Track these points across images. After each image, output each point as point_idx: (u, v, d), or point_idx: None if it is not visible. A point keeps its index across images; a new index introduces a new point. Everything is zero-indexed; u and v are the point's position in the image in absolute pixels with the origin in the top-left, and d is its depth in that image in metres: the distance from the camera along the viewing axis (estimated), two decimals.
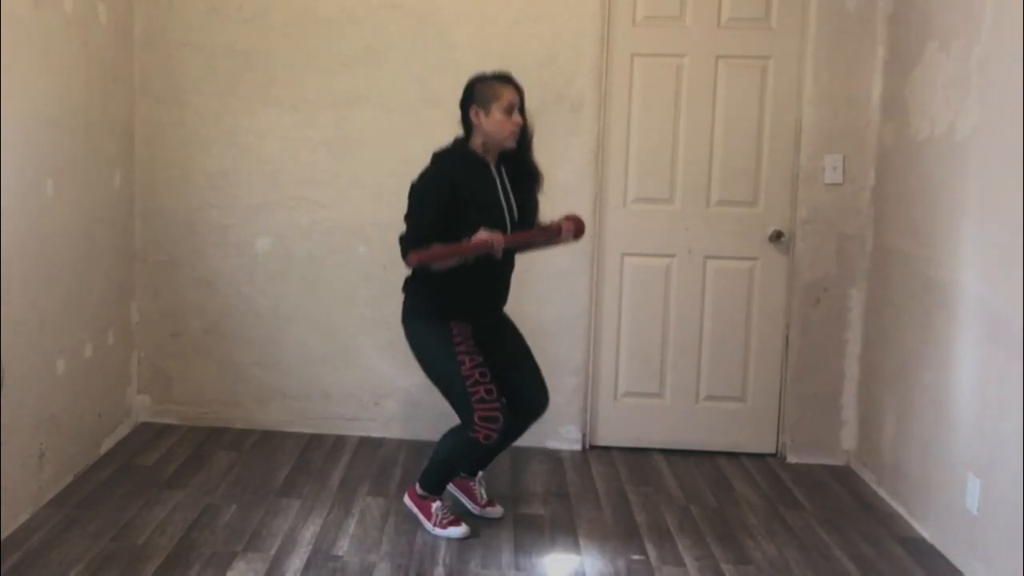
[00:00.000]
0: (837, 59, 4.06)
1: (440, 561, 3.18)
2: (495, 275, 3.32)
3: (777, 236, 4.21)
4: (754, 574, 3.16)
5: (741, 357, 4.29)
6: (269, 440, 4.27)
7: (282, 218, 4.29)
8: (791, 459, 4.24)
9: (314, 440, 4.29)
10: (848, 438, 4.21)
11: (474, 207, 3.18)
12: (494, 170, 3.29)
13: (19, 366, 3.24)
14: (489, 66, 4.13)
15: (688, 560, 3.23)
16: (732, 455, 4.29)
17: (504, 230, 3.20)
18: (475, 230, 3.08)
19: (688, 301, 4.28)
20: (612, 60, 4.17)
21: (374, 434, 4.36)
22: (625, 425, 4.34)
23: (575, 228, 3.36)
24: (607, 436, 4.35)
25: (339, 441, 4.30)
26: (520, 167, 3.34)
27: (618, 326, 4.30)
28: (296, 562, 3.12)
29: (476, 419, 3.16)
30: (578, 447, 4.30)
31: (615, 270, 4.28)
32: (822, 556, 3.31)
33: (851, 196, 4.12)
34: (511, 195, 3.30)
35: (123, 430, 4.22)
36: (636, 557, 3.25)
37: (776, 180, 4.20)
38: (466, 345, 3.23)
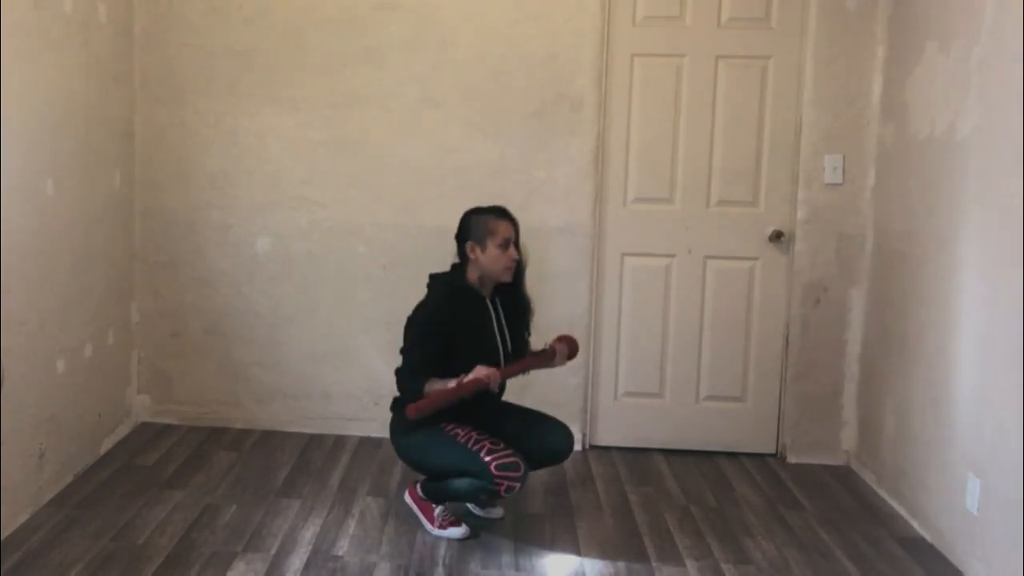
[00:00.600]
0: (837, 59, 4.06)
1: (440, 561, 3.18)
2: (486, 401, 3.31)
3: (777, 236, 4.21)
4: (754, 574, 3.16)
5: (741, 357, 4.29)
6: (269, 440, 4.27)
7: (282, 218, 4.30)
8: (791, 459, 4.24)
9: (314, 440, 4.29)
10: (848, 438, 4.21)
11: (471, 342, 3.24)
12: (489, 303, 3.35)
13: (19, 366, 3.24)
14: (489, 67, 4.17)
15: (688, 560, 3.23)
16: (732, 455, 4.29)
17: (499, 362, 3.27)
18: (471, 364, 3.13)
19: (688, 301, 4.28)
20: (612, 60, 4.17)
21: (374, 434, 4.36)
22: (625, 425, 4.34)
23: (568, 350, 3.43)
24: (607, 436, 4.35)
25: (339, 441, 4.30)
26: (514, 299, 3.41)
27: (618, 326, 4.31)
28: (296, 562, 3.11)
29: (494, 470, 3.10)
30: (578, 447, 4.30)
31: (615, 270, 4.28)
32: (822, 556, 3.31)
33: (851, 196, 4.12)
34: (505, 328, 3.37)
35: (123, 430, 4.22)
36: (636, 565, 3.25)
37: (776, 180, 4.20)
38: (453, 423, 3.25)
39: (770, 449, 4.32)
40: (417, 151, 4.23)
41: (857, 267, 4.14)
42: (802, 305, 4.19)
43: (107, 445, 4.04)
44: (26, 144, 3.26)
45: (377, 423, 4.38)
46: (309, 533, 3.34)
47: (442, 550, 3.25)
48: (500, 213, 3.33)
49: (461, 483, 3.23)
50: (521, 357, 3.40)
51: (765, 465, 4.21)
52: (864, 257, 4.12)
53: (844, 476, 4.10)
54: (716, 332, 4.28)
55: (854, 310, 4.16)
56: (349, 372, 4.37)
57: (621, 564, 3.20)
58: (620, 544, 3.35)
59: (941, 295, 3.42)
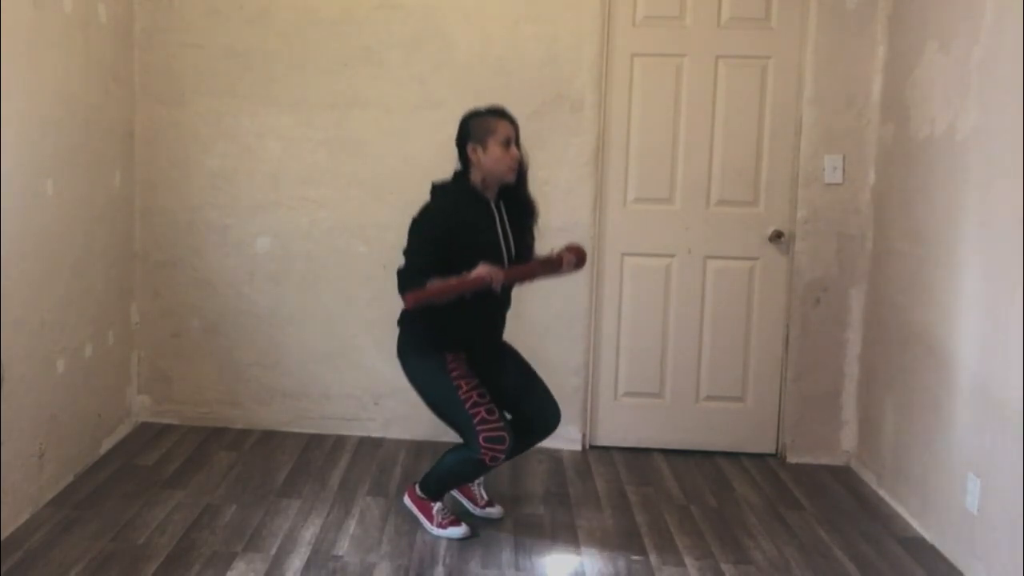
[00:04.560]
0: (837, 59, 4.06)
1: (440, 561, 3.18)
2: (490, 310, 3.32)
3: (777, 236, 4.21)
4: (754, 574, 3.16)
5: (741, 357, 4.29)
6: (269, 440, 4.27)
7: (282, 218, 4.30)
8: (791, 459, 4.24)
9: (314, 440, 4.29)
10: (848, 438, 4.21)
11: (474, 244, 3.19)
12: (493, 206, 3.30)
13: (19, 366, 3.24)
14: (489, 67, 4.17)
15: (688, 560, 3.24)
16: (732, 455, 4.29)
17: (502, 266, 3.22)
18: (474, 266, 3.08)
19: (688, 301, 4.28)
20: (612, 60, 4.17)
21: (374, 434, 4.36)
22: (625, 425, 4.34)
23: (576, 259, 3.37)
24: (607, 436, 4.35)
25: (339, 441, 4.30)
26: (517, 202, 3.36)
27: (618, 326, 4.31)
28: (296, 562, 3.12)
29: (481, 441, 3.14)
30: (578, 447, 4.30)
31: (615, 270, 4.28)
32: (822, 556, 3.31)
33: (851, 196, 4.12)
34: (509, 231, 3.32)
35: (123, 430, 4.22)
36: (636, 558, 3.25)
37: (776, 180, 4.20)
38: (460, 370, 3.24)
39: (770, 449, 4.32)
40: (417, 151, 4.22)
41: (857, 267, 4.14)
42: (802, 305, 4.19)
43: (107, 445, 4.04)
44: (26, 144, 3.27)
45: (377, 423, 4.38)
46: (309, 533, 3.34)
47: (442, 550, 3.25)
48: (499, 113, 3.27)
49: (449, 463, 3.29)
50: (527, 262, 3.35)
51: (765, 465, 4.21)
52: (864, 257, 4.12)
53: (844, 476, 4.10)
54: (716, 332, 4.28)
55: (854, 310, 4.16)
56: (349, 372, 4.37)
57: (621, 564, 3.20)
58: (620, 544, 3.35)
59: (941, 295, 3.42)
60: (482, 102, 4.13)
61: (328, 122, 4.24)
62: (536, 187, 4.17)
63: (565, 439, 4.29)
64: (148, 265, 4.33)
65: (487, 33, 4.17)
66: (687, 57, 4.17)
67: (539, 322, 4.16)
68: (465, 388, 3.20)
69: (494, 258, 3.19)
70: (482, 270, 3.06)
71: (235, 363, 4.38)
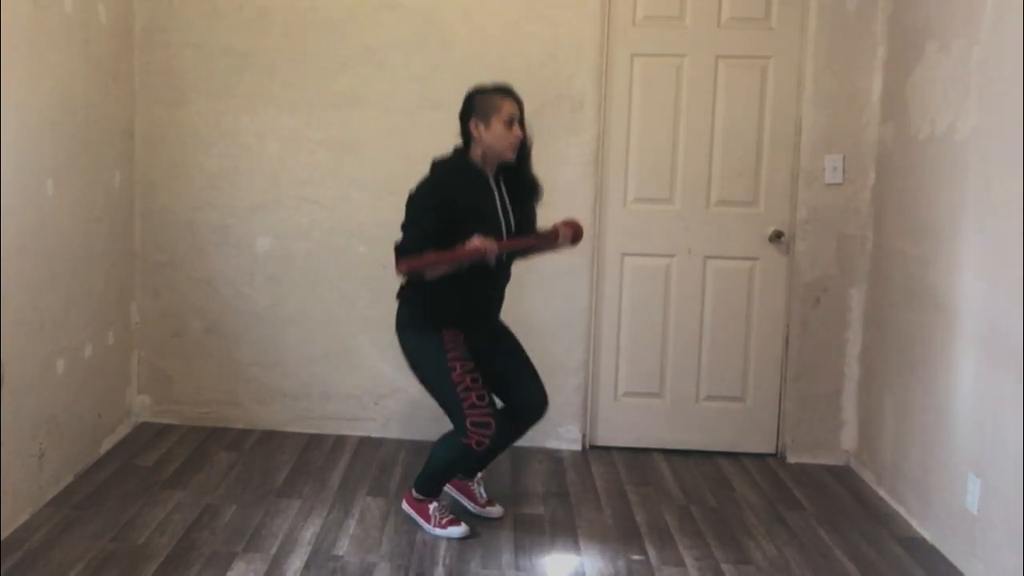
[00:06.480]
0: (837, 59, 4.06)
1: (440, 561, 3.18)
2: (488, 285, 3.31)
3: (777, 236, 4.21)
4: (754, 574, 3.16)
5: (741, 357, 4.29)
6: (269, 440, 4.27)
7: (282, 218, 4.30)
8: (791, 459, 4.24)
9: (314, 440, 4.29)
10: (848, 438, 4.21)
11: (472, 219, 3.15)
12: (493, 183, 3.28)
13: (19, 366, 3.24)
14: (489, 67, 4.16)
15: (688, 560, 3.23)
16: (732, 455, 4.29)
17: (501, 240, 3.19)
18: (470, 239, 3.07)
19: (688, 301, 4.28)
20: (612, 60, 4.17)
21: (374, 434, 4.36)
22: (625, 425, 4.34)
23: (572, 233, 3.34)
24: (607, 436, 4.35)
25: (339, 441, 4.30)
26: (519, 179, 3.33)
27: (618, 326, 4.30)
28: (296, 562, 3.12)
29: (468, 425, 3.16)
30: (578, 447, 4.30)
31: (615, 270, 4.28)
32: (822, 556, 3.31)
33: (851, 196, 4.12)
34: (509, 208, 3.29)
35: (123, 430, 4.22)
36: (636, 557, 3.25)
37: (776, 180, 4.20)
38: (457, 351, 3.23)
39: (770, 449, 4.32)
40: (417, 151, 4.20)
41: (857, 267, 4.14)
42: (802, 305, 4.19)
43: (107, 445, 4.04)
44: (26, 144, 3.27)
45: (377, 423, 4.38)
46: (309, 533, 3.34)
47: (442, 550, 3.25)
48: (505, 91, 3.26)
49: (438, 456, 3.31)
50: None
51: (765, 465, 4.21)
52: (864, 257, 4.12)
53: (844, 476, 4.10)
54: (716, 332, 4.28)
55: (854, 310, 4.16)
56: (349, 372, 4.37)
57: (621, 564, 3.20)
58: (620, 543, 3.35)
59: (941, 295, 3.42)
60: None
61: (328, 122, 4.24)
62: None
63: (565, 439, 4.29)
64: (148, 265, 4.33)
65: (487, 33, 4.17)
66: (687, 57, 4.17)
67: (539, 322, 4.15)
68: (459, 370, 3.20)
69: (493, 233, 3.16)
70: (477, 242, 3.05)
71: (235, 363, 4.38)
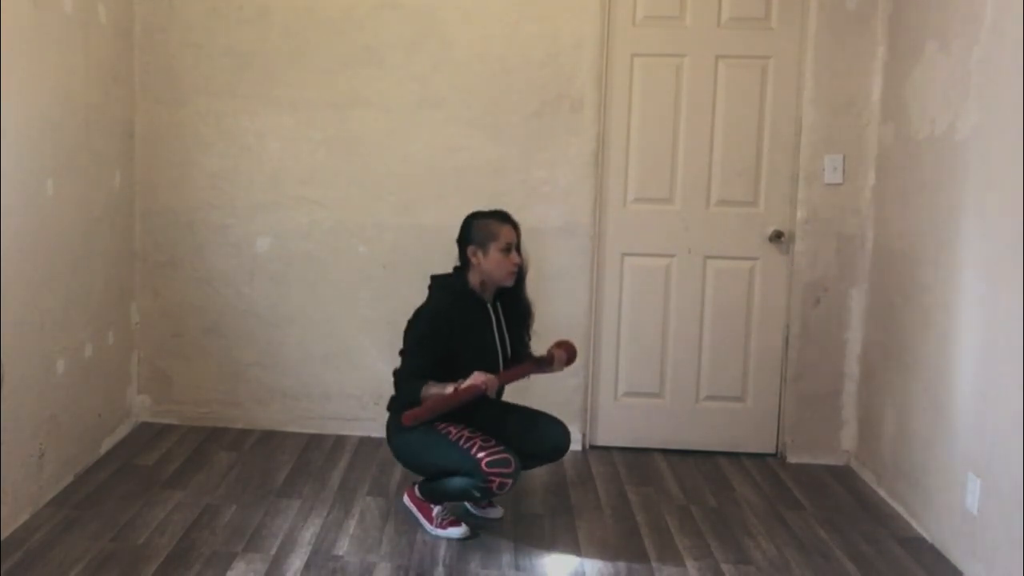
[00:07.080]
0: (837, 59, 4.06)
1: (440, 561, 3.18)
2: (485, 404, 3.29)
3: (777, 236, 4.21)
4: (754, 574, 3.16)
5: (741, 357, 4.29)
6: (269, 440, 4.27)
7: (282, 218, 4.30)
8: (791, 459, 4.24)
9: (314, 440, 4.29)
10: (848, 438, 4.21)
11: (470, 347, 3.24)
12: (490, 308, 3.34)
13: (19, 366, 3.24)
14: (489, 67, 4.17)
15: (688, 560, 3.23)
16: (732, 455, 4.29)
17: (498, 368, 3.27)
18: (470, 369, 3.12)
19: (688, 301, 4.28)
20: (612, 60, 4.17)
21: (374, 434, 4.35)
22: (625, 425, 4.34)
23: (567, 356, 3.43)
24: (607, 436, 4.35)
25: (339, 441, 4.30)
26: (514, 303, 3.40)
27: (618, 326, 4.31)
28: (296, 562, 3.11)
29: (484, 467, 3.10)
30: (578, 447, 4.30)
31: (615, 270, 4.28)
32: (822, 556, 3.31)
33: (851, 196, 4.12)
34: (506, 333, 3.36)
35: (123, 430, 4.22)
36: (636, 567, 3.25)
37: (776, 180, 4.20)
38: (445, 422, 3.24)
39: (770, 449, 4.32)
40: (417, 151, 4.23)
41: (857, 267, 4.14)
42: (802, 305, 4.19)
43: (107, 445, 4.04)
44: (26, 144, 3.26)
45: (377, 423, 4.37)
46: (309, 533, 3.34)
47: (442, 550, 3.25)
48: (502, 217, 3.32)
49: (455, 482, 3.23)
50: (520, 362, 3.40)
51: (765, 465, 4.21)
52: (864, 257, 4.12)
53: (844, 476, 4.10)
54: (716, 332, 4.28)
55: (854, 310, 4.16)
56: (349, 372, 4.37)
57: (621, 564, 3.20)
58: (620, 544, 3.35)
59: (941, 295, 3.42)
60: (482, 102, 4.17)
61: (328, 122, 4.24)
62: (536, 187, 4.21)
63: None
64: (148, 265, 4.33)
65: (487, 33, 4.17)
66: (687, 57, 4.17)
67: (539, 322, 4.14)
68: (454, 432, 3.21)
69: (490, 359, 3.26)
70: (477, 379, 3.11)
71: (235, 363, 4.38)
